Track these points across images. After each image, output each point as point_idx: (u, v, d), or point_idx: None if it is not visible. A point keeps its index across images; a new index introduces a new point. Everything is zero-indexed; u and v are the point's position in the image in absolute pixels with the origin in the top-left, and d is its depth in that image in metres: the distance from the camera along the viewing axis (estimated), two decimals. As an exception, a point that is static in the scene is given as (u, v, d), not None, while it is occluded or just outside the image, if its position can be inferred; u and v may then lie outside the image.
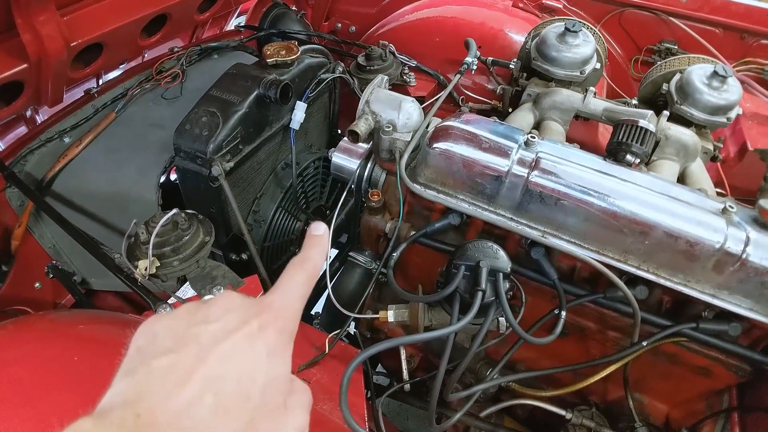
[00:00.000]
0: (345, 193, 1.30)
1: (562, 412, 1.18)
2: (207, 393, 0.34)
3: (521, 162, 1.02)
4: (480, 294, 0.88)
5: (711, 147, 1.42)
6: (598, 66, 1.52)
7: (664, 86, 1.48)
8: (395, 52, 1.86)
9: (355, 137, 1.11)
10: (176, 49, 1.79)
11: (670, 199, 0.99)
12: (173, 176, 1.82)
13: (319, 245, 0.48)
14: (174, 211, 1.08)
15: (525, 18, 2.03)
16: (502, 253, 0.94)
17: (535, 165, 1.01)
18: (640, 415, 1.26)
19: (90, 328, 0.89)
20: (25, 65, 1.14)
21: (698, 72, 1.39)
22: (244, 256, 1.48)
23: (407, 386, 1.10)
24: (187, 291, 1.10)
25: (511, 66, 1.68)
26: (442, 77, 1.89)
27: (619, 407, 1.32)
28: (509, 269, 0.93)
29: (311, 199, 1.71)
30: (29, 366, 0.79)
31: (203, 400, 0.33)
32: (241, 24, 2.14)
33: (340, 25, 2.48)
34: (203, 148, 1.22)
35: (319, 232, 0.48)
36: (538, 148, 1.05)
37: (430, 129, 1.12)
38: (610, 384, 1.31)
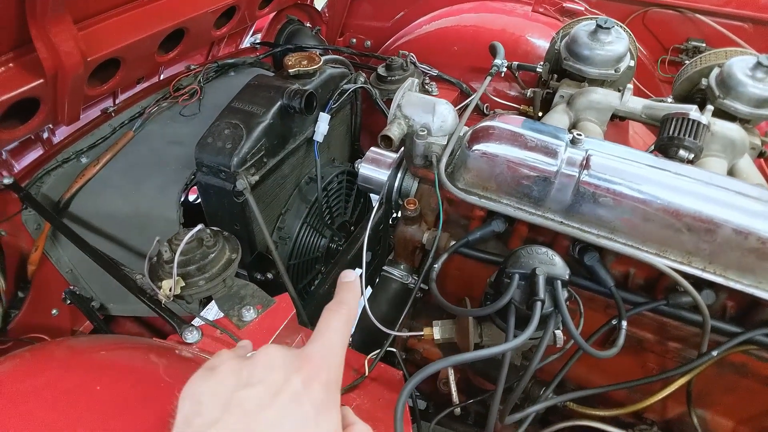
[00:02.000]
0: (377, 208, 1.23)
1: (623, 433, 1.08)
2: None
3: (571, 161, 0.95)
4: (539, 304, 0.80)
5: (758, 142, 1.34)
6: (632, 63, 1.46)
7: (703, 81, 1.42)
8: (416, 62, 1.81)
9: (388, 143, 1.05)
10: (193, 67, 1.76)
11: (736, 194, 0.91)
12: (192, 197, 1.78)
13: (351, 290, 0.47)
14: (199, 227, 1.01)
15: (546, 23, 1.99)
16: (558, 258, 0.87)
17: (586, 163, 0.94)
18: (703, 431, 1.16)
19: (112, 354, 0.82)
20: (41, 80, 1.10)
21: (740, 64, 1.32)
22: (269, 275, 1.41)
23: (457, 410, 1.01)
24: (211, 311, 1.03)
25: (538, 69, 1.62)
26: (465, 85, 1.84)
27: (678, 425, 1.21)
28: (568, 276, 0.85)
29: (336, 215, 1.65)
30: (49, 397, 0.72)
31: None
32: (257, 41, 2.12)
33: (355, 40, 2.45)
34: (227, 162, 1.16)
35: (350, 279, 0.48)
36: (587, 146, 0.98)
37: (467, 133, 1.06)
38: (669, 400, 1.21)
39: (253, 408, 0.36)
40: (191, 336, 0.95)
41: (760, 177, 1.26)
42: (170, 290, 0.97)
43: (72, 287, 1.47)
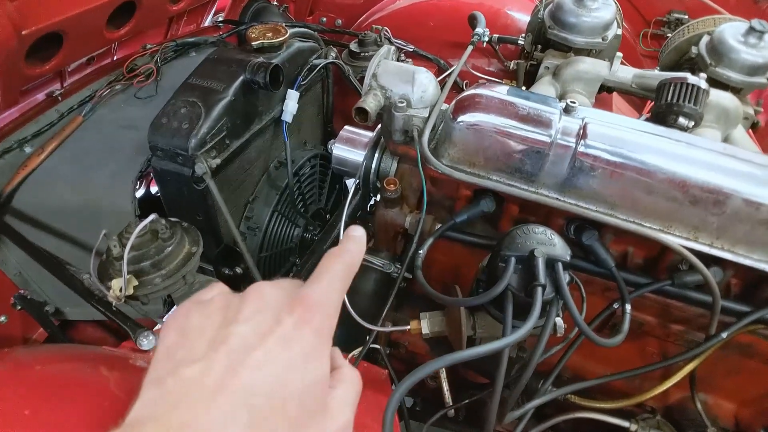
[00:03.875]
0: (352, 193, 1.13)
1: (626, 424, 1.01)
2: (241, 409, 0.31)
3: (566, 131, 0.86)
4: (539, 290, 0.71)
5: (752, 111, 1.28)
6: (619, 32, 1.38)
7: (693, 49, 1.35)
8: (391, 38, 1.71)
9: (363, 116, 0.94)
10: (149, 47, 1.62)
11: (746, 162, 0.84)
12: (153, 188, 1.64)
13: (357, 243, 0.43)
14: (152, 217, 0.90)
15: (525, -5, 1.90)
16: (557, 238, 0.78)
17: (583, 133, 0.85)
18: (707, 417, 1.09)
19: (51, 368, 0.70)
20: (-35, 57, 0.96)
21: (731, 30, 1.26)
22: (238, 270, 1.29)
23: (451, 412, 0.92)
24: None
25: (520, 42, 1.54)
26: (443, 62, 1.74)
27: (680, 410, 1.15)
28: (569, 257, 0.76)
29: (309, 202, 1.54)
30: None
31: (237, 417, 0.31)
32: (220, 19, 1.97)
33: (325, 19, 2.33)
34: (184, 144, 1.04)
35: (358, 234, 0.44)
36: (582, 114, 0.89)
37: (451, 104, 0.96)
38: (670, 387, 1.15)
39: (238, 347, 0.33)
40: (147, 342, 0.84)
41: (756, 147, 1.20)
42: (121, 290, 0.85)
43: (22, 291, 1.34)
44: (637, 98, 1.53)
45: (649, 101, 1.73)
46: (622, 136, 0.86)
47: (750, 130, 1.36)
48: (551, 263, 0.75)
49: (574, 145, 0.85)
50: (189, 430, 0.29)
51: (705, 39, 1.33)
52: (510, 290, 0.75)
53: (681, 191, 0.83)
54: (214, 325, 0.36)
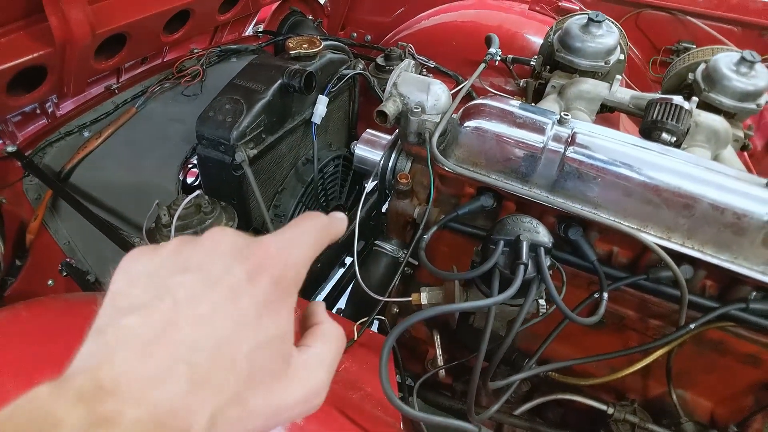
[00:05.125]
0: (368, 190, 1.27)
1: (603, 407, 1.12)
2: (179, 363, 0.28)
3: (557, 138, 0.99)
4: (522, 268, 0.84)
5: (741, 134, 1.39)
6: (621, 57, 1.51)
7: (690, 76, 1.46)
8: (414, 54, 1.86)
9: (383, 118, 1.09)
10: (196, 51, 1.80)
11: (714, 172, 0.95)
12: (189, 179, 1.81)
13: (338, 219, 0.41)
14: (197, 193, 1.05)
15: (541, 20, 2.04)
16: (542, 227, 0.90)
17: (571, 140, 0.98)
18: (684, 412, 1.19)
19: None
20: (50, 49, 1.13)
21: (725, 59, 1.37)
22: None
23: (442, 372, 1.04)
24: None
25: (532, 63, 1.67)
26: (461, 78, 1.89)
27: (659, 404, 1.25)
28: (551, 243, 0.88)
29: (331, 198, 1.68)
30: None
31: (175, 371, 0.28)
32: (260, 30, 2.16)
33: (355, 34, 2.50)
34: (227, 135, 1.20)
35: (339, 215, 0.43)
36: (573, 125, 1.02)
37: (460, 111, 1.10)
38: (650, 380, 1.25)
39: (183, 298, 0.31)
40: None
41: (742, 166, 1.30)
42: (168, 252, 1.00)
43: (69, 259, 1.49)
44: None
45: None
46: (606, 145, 0.98)
47: (744, 152, 1.46)
48: (534, 248, 0.87)
49: (562, 150, 0.98)
50: (121, 382, 0.27)
51: (701, 67, 1.45)
52: (497, 268, 0.88)
53: (655, 195, 0.95)
54: (162, 272, 0.32)
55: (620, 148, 0.97)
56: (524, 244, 0.86)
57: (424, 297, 0.99)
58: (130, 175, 1.38)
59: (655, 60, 2.07)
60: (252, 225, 1.39)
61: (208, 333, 0.30)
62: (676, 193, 0.94)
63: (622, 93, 1.37)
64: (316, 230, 0.38)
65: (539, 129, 1.00)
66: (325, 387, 0.35)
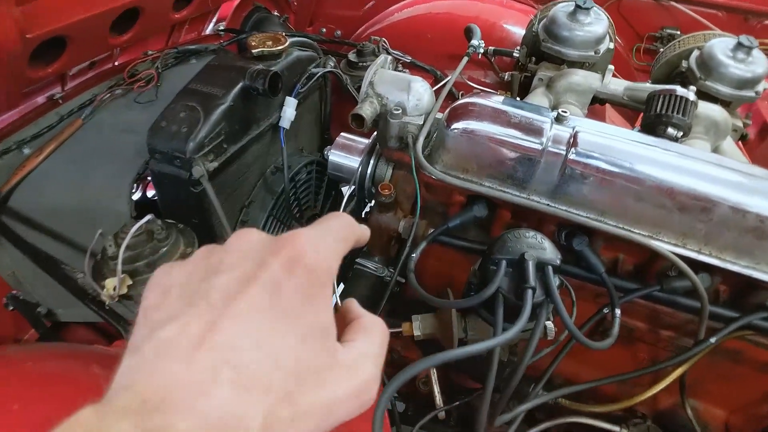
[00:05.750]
0: (346, 199, 1.15)
1: (616, 428, 1.02)
2: (222, 366, 0.27)
3: (557, 139, 0.88)
4: (530, 293, 0.72)
5: (740, 124, 1.31)
6: (611, 46, 1.41)
7: (683, 63, 1.38)
8: (389, 49, 1.73)
9: (360, 122, 0.96)
10: (150, 53, 1.64)
11: (732, 171, 0.86)
12: (150, 192, 1.65)
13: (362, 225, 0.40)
14: (148, 218, 0.91)
15: (521, 9, 1.94)
16: (548, 242, 0.79)
17: (573, 141, 0.87)
18: (697, 423, 1.10)
19: (43, 365, 0.71)
20: (-31, 58, 0.97)
21: (720, 45, 1.29)
22: (233, 273, 1.30)
23: (441, 414, 0.93)
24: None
25: (515, 54, 1.56)
26: (439, 73, 1.77)
27: (671, 417, 1.16)
28: (559, 260, 0.77)
29: (305, 207, 1.55)
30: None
31: (219, 376, 0.27)
32: (221, 28, 2.00)
33: (324, 29, 2.36)
34: (182, 147, 1.06)
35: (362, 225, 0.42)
36: (573, 123, 0.91)
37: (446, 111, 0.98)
38: (660, 391, 1.16)
39: (219, 299, 0.29)
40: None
41: (744, 159, 1.22)
42: (114, 290, 0.86)
43: (15, 292, 1.33)
44: (630, 110, 1.56)
45: (642, 113, 1.77)
46: (612, 144, 0.88)
47: (739, 142, 1.39)
48: (541, 266, 0.76)
49: (564, 153, 0.87)
50: (166, 395, 0.26)
51: (695, 53, 1.36)
52: (500, 293, 0.76)
53: (669, 198, 0.85)
54: (195, 279, 0.32)
55: (628, 148, 0.87)
56: (530, 263, 0.75)
57: (416, 327, 0.88)
58: (76, 197, 1.22)
59: (638, 48, 1.99)
60: (218, 245, 1.25)
61: (249, 330, 0.29)
62: (692, 196, 0.84)
63: (614, 84, 1.28)
64: (343, 227, 0.37)
65: (537, 130, 0.88)
66: (375, 381, 0.33)
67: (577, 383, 1.18)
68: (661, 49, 1.59)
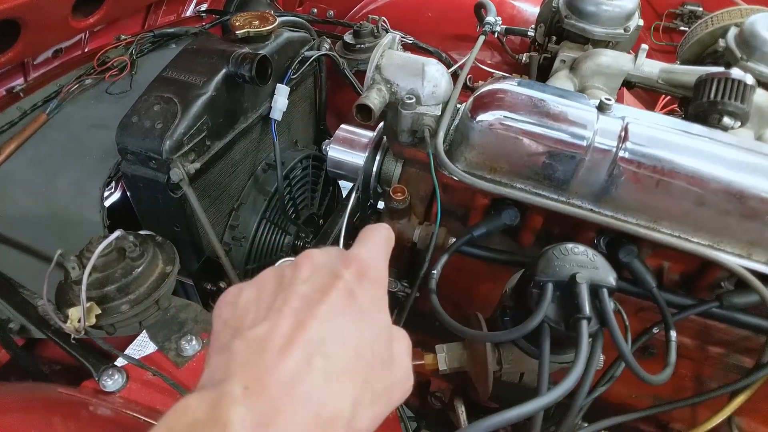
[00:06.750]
0: (352, 199, 1.01)
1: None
2: (315, 356, 0.31)
3: (606, 132, 0.74)
4: (584, 324, 0.59)
5: (787, 110, 1.17)
6: (641, 22, 1.27)
7: (721, 42, 1.24)
8: (389, 28, 1.58)
9: (367, 114, 0.82)
10: (124, 38, 1.47)
11: (811, 169, 0.72)
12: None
13: (386, 227, 0.43)
14: (117, 233, 0.76)
15: (531, -16, 1.78)
16: (600, 259, 0.66)
17: (624, 135, 0.73)
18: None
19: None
20: None
21: (764, 21, 1.15)
22: (222, 284, 1.16)
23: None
24: (146, 344, 0.78)
25: (529, 33, 1.42)
26: (444, 55, 1.62)
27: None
28: (615, 281, 0.64)
29: (301, 207, 1.41)
30: None
31: (313, 365, 0.30)
32: (202, 9, 1.83)
33: (315, 10, 2.18)
34: (157, 146, 0.91)
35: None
36: (620, 113, 0.77)
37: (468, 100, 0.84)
38: (698, 407, 1.05)
39: (301, 306, 0.33)
40: (111, 382, 0.70)
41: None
42: (80, 321, 0.71)
43: (-22, 308, 1.19)
44: (644, 93, 1.42)
45: (662, 97, 1.63)
46: (670, 138, 0.74)
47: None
48: (595, 290, 0.63)
49: (614, 150, 0.73)
50: (266, 382, 0.29)
51: (733, 31, 1.22)
52: (546, 322, 0.63)
53: (738, 203, 0.72)
54: (270, 292, 0.35)
55: (689, 143, 0.74)
56: (582, 287, 0.62)
57: (441, 360, 0.74)
58: (41, 204, 1.07)
59: (657, 26, 1.85)
60: (204, 254, 1.11)
61: (333, 329, 0.33)
62: (764, 200, 0.71)
63: (649, 66, 1.13)
64: (385, 240, 0.41)
65: (581, 122, 0.74)
66: (411, 370, 0.38)
67: (609, 401, 1.07)
68: (683, 28, 1.46)
